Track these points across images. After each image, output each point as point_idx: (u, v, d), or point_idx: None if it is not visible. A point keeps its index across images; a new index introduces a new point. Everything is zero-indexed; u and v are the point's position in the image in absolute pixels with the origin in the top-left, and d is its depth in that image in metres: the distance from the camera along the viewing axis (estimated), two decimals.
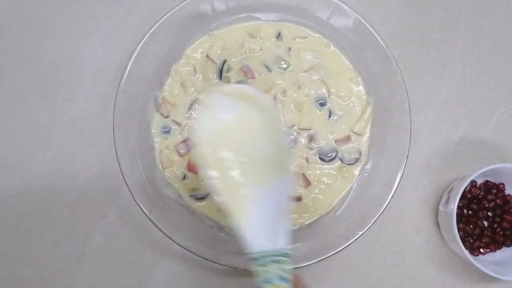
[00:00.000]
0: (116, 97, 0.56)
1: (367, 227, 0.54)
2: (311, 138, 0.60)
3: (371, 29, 0.58)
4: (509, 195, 0.60)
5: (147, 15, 0.66)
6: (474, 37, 0.67)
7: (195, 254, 0.54)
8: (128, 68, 0.57)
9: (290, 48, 0.62)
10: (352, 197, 0.59)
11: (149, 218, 0.54)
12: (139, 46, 0.57)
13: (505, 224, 0.59)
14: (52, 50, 0.67)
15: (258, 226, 0.41)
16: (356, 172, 0.60)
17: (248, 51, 0.62)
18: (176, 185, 0.59)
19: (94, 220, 0.62)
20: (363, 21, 0.59)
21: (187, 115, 0.60)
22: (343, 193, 0.60)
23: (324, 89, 0.61)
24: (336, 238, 0.56)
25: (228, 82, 0.61)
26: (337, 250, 0.54)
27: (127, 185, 0.55)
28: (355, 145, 0.60)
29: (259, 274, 0.40)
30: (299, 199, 0.59)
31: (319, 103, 0.61)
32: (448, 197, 0.59)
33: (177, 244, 0.55)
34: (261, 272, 0.40)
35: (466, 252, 0.56)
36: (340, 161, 0.60)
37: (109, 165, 0.63)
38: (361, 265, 0.61)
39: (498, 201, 0.59)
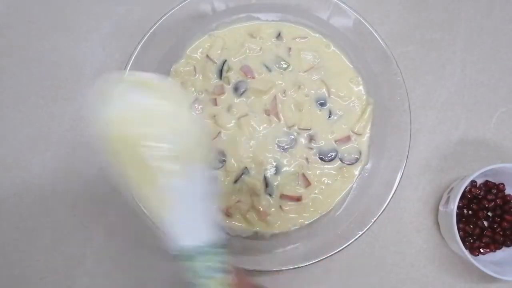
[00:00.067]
0: None
1: (367, 227, 0.54)
2: (311, 138, 0.60)
3: (371, 29, 0.58)
4: (509, 195, 0.60)
5: (147, 15, 0.66)
6: (474, 37, 0.67)
7: None
8: (128, 68, 0.57)
9: (290, 48, 0.62)
10: (352, 197, 0.59)
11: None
12: (139, 46, 0.57)
13: (505, 224, 0.59)
14: (52, 50, 0.67)
15: (181, 220, 0.39)
16: (356, 172, 0.60)
17: (248, 51, 0.62)
18: None
19: (94, 220, 0.62)
20: (363, 21, 0.59)
21: None
22: (343, 193, 0.59)
23: (324, 89, 0.61)
24: (336, 238, 0.55)
25: (228, 82, 0.60)
26: (337, 250, 0.54)
27: None
28: (355, 145, 0.60)
29: (191, 270, 0.38)
30: (299, 199, 0.59)
31: (319, 103, 0.61)
32: (448, 197, 0.59)
33: None
34: (193, 267, 0.38)
35: (466, 252, 0.56)
36: (340, 161, 0.60)
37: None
38: (361, 265, 0.61)
39: (498, 201, 0.59)
